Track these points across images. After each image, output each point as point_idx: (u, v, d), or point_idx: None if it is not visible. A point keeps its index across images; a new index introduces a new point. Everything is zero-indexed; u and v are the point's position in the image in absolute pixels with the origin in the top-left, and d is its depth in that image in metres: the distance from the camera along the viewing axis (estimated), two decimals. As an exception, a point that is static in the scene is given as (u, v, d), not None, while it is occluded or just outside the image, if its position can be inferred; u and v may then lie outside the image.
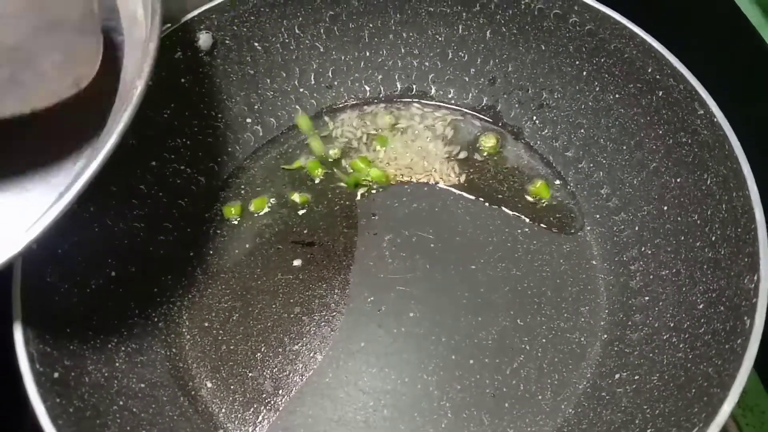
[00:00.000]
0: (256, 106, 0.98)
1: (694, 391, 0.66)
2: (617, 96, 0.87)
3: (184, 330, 0.85)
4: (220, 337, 0.85)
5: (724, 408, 0.59)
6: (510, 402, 0.79)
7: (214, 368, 0.83)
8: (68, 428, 0.62)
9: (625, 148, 0.88)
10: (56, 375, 0.67)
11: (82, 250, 0.76)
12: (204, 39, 0.88)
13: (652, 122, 0.83)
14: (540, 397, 0.79)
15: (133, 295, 0.83)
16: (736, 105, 0.75)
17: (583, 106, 0.92)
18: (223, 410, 0.80)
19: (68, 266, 0.75)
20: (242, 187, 0.97)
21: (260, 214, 0.94)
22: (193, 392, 0.81)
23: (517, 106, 0.99)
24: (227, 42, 0.91)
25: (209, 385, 0.82)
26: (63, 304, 0.73)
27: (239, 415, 0.80)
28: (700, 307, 0.73)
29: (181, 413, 0.78)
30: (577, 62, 0.90)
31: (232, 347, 0.84)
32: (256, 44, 0.93)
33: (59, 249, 0.74)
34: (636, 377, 0.76)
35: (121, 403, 0.72)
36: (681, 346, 0.73)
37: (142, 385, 0.77)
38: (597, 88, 0.89)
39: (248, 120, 0.98)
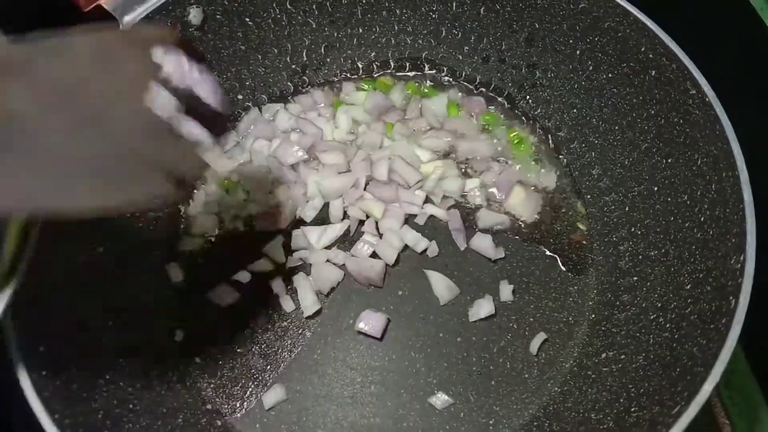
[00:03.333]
0: (247, 83, 0.97)
1: (678, 370, 0.67)
2: (610, 75, 0.86)
3: (174, 304, 0.85)
4: (209, 313, 0.85)
5: (705, 387, 0.59)
6: (496, 380, 0.79)
7: (202, 343, 0.83)
8: (53, 401, 0.63)
9: (617, 128, 0.87)
10: (42, 349, 0.67)
11: (72, 229, 0.76)
12: (194, 13, 0.87)
13: (644, 102, 0.83)
14: (526, 376, 0.80)
15: (120, 271, 0.82)
16: (729, 85, 0.75)
17: (576, 86, 0.92)
18: (212, 385, 0.81)
19: (58, 243, 0.73)
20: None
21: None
22: (181, 367, 0.81)
23: (510, 84, 0.98)
24: (218, 17, 0.90)
25: (197, 360, 0.82)
26: (50, 279, 0.72)
27: (227, 390, 0.80)
28: (688, 287, 0.73)
29: (168, 387, 0.78)
30: (571, 41, 0.89)
31: (221, 322, 0.84)
32: (247, 19, 0.92)
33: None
34: (622, 356, 0.76)
35: (108, 377, 0.73)
36: (667, 326, 0.73)
37: (131, 361, 0.77)
38: (590, 68, 0.89)
39: (239, 96, 0.97)
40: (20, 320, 0.67)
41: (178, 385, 0.80)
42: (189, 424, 0.77)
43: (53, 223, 0.73)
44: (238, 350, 0.82)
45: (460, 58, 1.00)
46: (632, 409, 0.68)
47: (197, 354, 0.82)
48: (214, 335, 0.83)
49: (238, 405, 0.79)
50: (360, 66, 1.02)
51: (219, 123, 0.60)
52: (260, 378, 0.81)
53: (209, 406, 0.79)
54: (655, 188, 0.82)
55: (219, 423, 0.78)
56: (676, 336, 0.70)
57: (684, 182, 0.77)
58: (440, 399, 0.78)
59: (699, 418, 0.60)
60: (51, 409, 0.62)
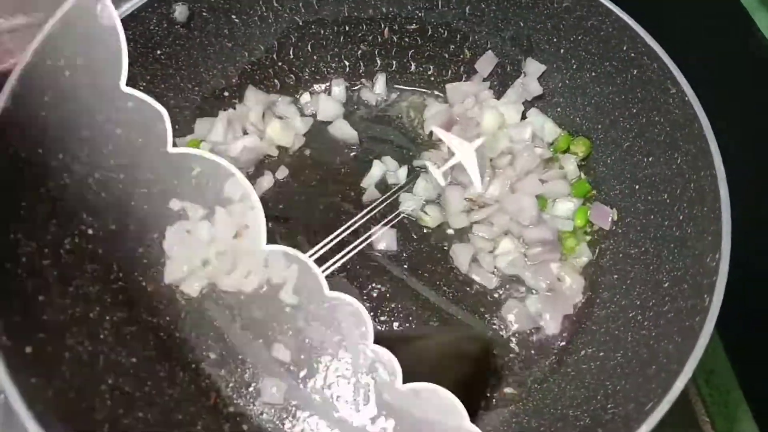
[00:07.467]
0: (233, 80, 0.97)
1: (654, 367, 0.67)
2: (593, 74, 0.87)
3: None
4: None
5: (677, 384, 0.60)
6: (477, 376, 0.80)
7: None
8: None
9: (599, 126, 0.88)
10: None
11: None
12: (180, 11, 0.88)
13: (626, 101, 0.83)
14: (507, 372, 0.80)
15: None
16: (713, 85, 0.75)
17: (560, 85, 0.92)
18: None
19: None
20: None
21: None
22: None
23: (495, 83, 0.99)
24: (204, 14, 0.90)
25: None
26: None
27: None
28: (666, 285, 0.73)
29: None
30: (555, 40, 0.90)
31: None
32: (233, 17, 0.92)
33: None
34: (601, 354, 0.76)
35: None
36: (645, 323, 0.73)
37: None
38: (574, 66, 0.89)
39: (226, 93, 0.97)
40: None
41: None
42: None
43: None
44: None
45: (446, 56, 1.00)
46: (608, 406, 0.69)
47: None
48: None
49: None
50: (347, 65, 1.03)
51: None
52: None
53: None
54: (636, 187, 0.82)
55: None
56: (654, 333, 0.71)
57: (664, 181, 0.78)
58: (421, 395, 0.78)
59: (679, 416, 0.60)
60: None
